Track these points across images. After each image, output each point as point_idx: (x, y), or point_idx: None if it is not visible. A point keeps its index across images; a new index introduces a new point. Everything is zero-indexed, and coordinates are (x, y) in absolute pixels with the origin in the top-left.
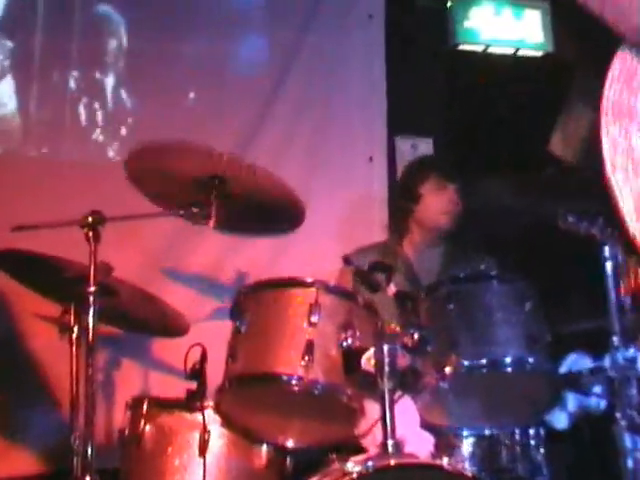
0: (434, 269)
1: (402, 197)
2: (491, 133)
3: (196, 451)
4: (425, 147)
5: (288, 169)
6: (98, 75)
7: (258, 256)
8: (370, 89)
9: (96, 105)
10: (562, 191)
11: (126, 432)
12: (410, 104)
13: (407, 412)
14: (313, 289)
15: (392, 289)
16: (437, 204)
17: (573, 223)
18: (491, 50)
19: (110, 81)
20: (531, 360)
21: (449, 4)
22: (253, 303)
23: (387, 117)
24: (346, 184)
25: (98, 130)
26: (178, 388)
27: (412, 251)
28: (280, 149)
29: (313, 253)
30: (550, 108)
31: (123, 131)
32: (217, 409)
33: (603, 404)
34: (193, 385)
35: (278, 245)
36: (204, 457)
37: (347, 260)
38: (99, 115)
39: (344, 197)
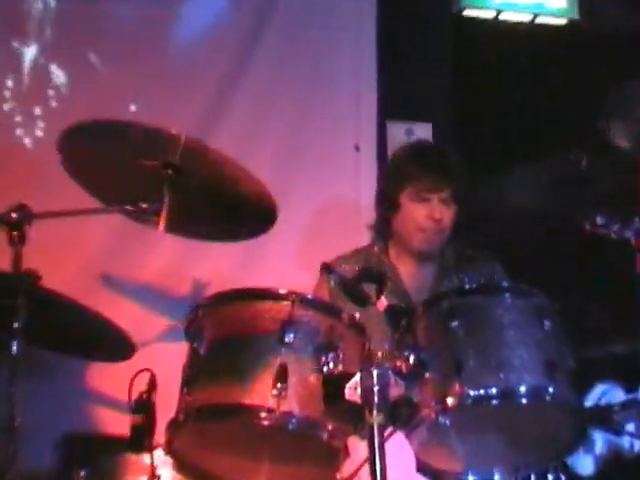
0: (426, 286)
1: (381, 203)
2: (503, 118)
3: None
4: (422, 133)
5: (258, 159)
6: (16, 44)
7: (221, 263)
8: (357, 64)
9: (11, 80)
10: (591, 188)
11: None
12: (405, 82)
13: (400, 452)
14: (287, 302)
15: (383, 303)
16: (412, 219)
17: (602, 225)
18: (504, 17)
19: (31, 51)
20: (551, 390)
21: None
22: (214, 320)
23: (377, 97)
24: (327, 177)
25: (15, 109)
26: (121, 423)
27: (399, 263)
28: (249, 136)
29: (287, 260)
30: (575, 88)
31: (49, 111)
32: (169, 449)
33: (638, 445)
34: (140, 419)
35: (245, 250)
36: None
37: (327, 268)
38: (15, 92)
39: (325, 193)
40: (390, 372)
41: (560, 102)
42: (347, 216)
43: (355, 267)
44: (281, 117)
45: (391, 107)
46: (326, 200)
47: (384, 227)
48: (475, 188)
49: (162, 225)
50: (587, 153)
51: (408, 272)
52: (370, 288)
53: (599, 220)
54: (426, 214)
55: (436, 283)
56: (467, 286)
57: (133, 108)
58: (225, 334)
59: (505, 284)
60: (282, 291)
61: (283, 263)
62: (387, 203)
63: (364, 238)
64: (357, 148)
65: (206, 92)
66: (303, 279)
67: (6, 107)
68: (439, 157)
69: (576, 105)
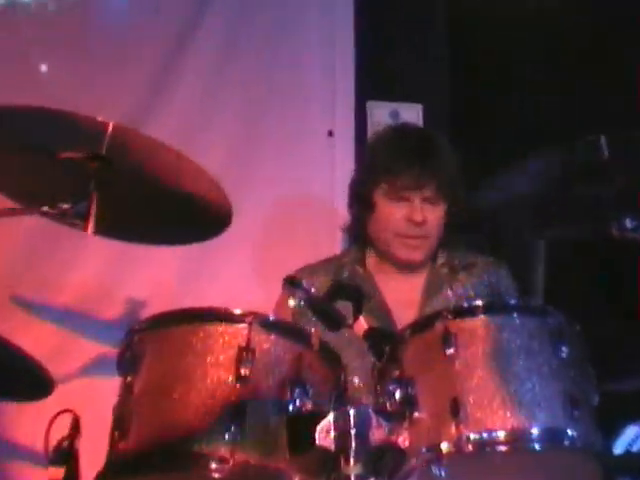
0: (413, 303)
1: (354, 201)
2: (512, 98)
3: None
4: (411, 115)
5: (209, 149)
6: None
7: (161, 275)
8: (330, 33)
9: None
10: (615, 182)
11: None
12: (390, 55)
13: None
14: (243, 325)
15: (362, 325)
16: (389, 222)
17: (634, 230)
18: None
19: None
20: (570, 433)
21: None
22: (153, 347)
23: (355, 73)
24: (293, 169)
25: None
26: (37, 477)
27: (380, 275)
28: (197, 121)
29: (242, 271)
30: (594, 57)
31: None
32: None
33: None
34: (59, 472)
35: (191, 258)
36: None
37: (292, 282)
38: None
39: (290, 188)
40: (371, 411)
41: (579, 77)
42: (318, 216)
43: (326, 280)
44: (236, 98)
45: (373, 85)
46: (291, 197)
47: (360, 230)
48: (476, 182)
49: (90, 227)
50: (610, 137)
51: (391, 286)
52: (345, 307)
53: (629, 223)
54: (405, 216)
55: (425, 299)
56: (465, 304)
57: (52, 91)
58: (167, 365)
59: (513, 301)
60: (237, 311)
61: (237, 275)
62: (360, 201)
63: (340, 244)
64: (330, 134)
65: (143, 71)
66: (262, 296)
67: None
68: (422, 144)
69: (597, 78)
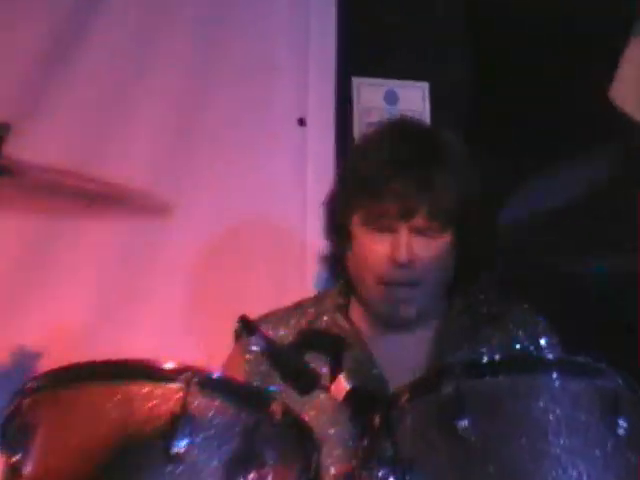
0: (415, 363)
1: (330, 228)
2: (542, 74)
3: None
4: (413, 98)
5: (130, 145)
6: None
7: (62, 316)
8: None
9: None
10: None
11: None
12: (385, 15)
13: None
14: (178, 385)
15: (343, 385)
16: (366, 260)
17: None
18: None
19: None
20: None
21: None
22: (50, 415)
23: (337, 40)
24: (248, 174)
25: None
26: None
27: (368, 328)
28: (111, 104)
29: (177, 312)
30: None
31: None
32: None
33: None
34: None
35: (103, 292)
36: None
37: (248, 327)
38: None
39: (244, 200)
40: None
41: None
42: (283, 239)
43: (294, 329)
44: (167, 75)
45: (361, 55)
46: (245, 212)
47: (339, 268)
48: (498, 194)
49: None
50: None
51: (385, 347)
52: (319, 362)
53: None
54: (386, 253)
55: (435, 358)
56: (485, 358)
57: None
58: (70, 440)
59: (550, 355)
60: (169, 365)
61: (169, 316)
62: (336, 229)
63: (312, 279)
64: (301, 122)
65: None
66: (202, 345)
67: None
68: (416, 148)
69: None
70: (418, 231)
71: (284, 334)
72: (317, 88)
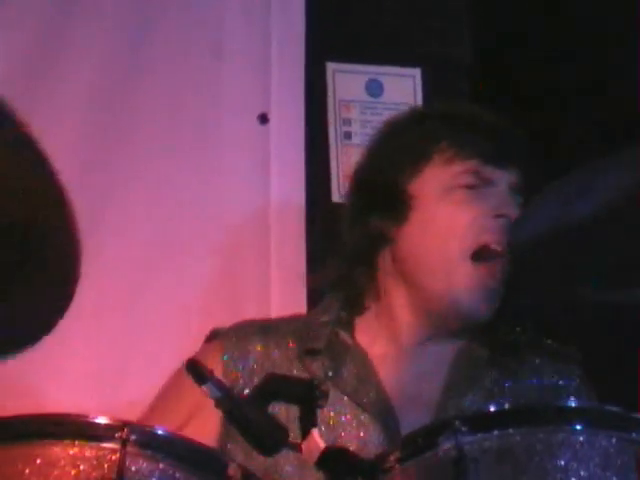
0: (428, 400)
1: (372, 207)
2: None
3: None
4: (402, 87)
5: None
6: None
7: None
8: None
9: None
10: None
11: None
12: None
13: None
14: (112, 445)
15: (317, 444)
16: (452, 227)
17: None
18: None
19: None
20: None
21: None
22: None
23: (307, 17)
24: (197, 179)
25: None
26: None
27: (379, 342)
28: (29, 92)
29: (106, 353)
30: None
31: None
32: None
33: None
34: None
35: None
36: None
37: (196, 371)
38: None
39: (193, 210)
40: None
41: None
42: (240, 256)
43: (285, 344)
44: (92, 57)
45: (337, 36)
46: (192, 224)
47: (362, 270)
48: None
49: None
50: None
51: (393, 373)
52: (286, 414)
53: None
54: (487, 210)
55: (447, 399)
56: (492, 407)
57: None
58: None
59: (575, 404)
60: (102, 420)
61: (103, 357)
62: (383, 204)
63: (275, 300)
64: (264, 119)
65: None
66: (138, 392)
67: None
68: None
69: None
70: (512, 191)
71: (270, 350)
72: (282, 77)
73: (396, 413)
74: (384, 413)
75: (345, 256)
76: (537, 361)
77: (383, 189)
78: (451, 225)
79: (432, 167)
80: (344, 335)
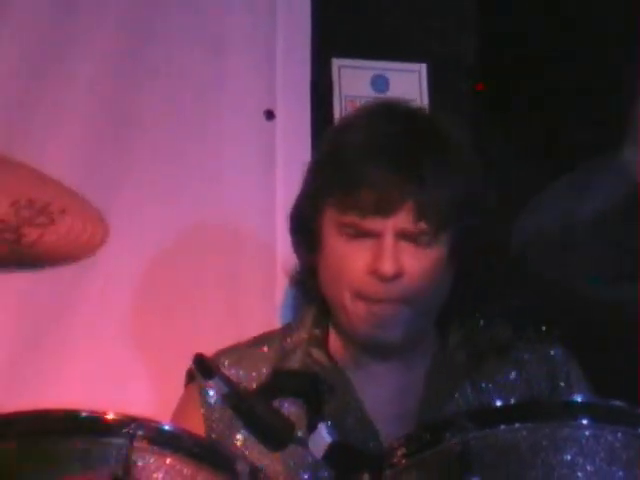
0: (406, 411)
1: (297, 234)
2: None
3: None
4: (408, 83)
5: (67, 137)
6: None
7: None
8: None
9: None
10: None
11: None
12: None
13: None
14: (120, 440)
15: (323, 439)
16: (340, 271)
17: None
18: None
19: None
20: None
21: None
22: None
23: (313, 13)
24: (206, 176)
25: None
26: None
27: (351, 364)
28: (24, 94)
29: (116, 352)
30: None
31: None
32: None
33: None
34: None
35: (22, 328)
36: None
37: (204, 369)
38: None
39: (201, 207)
40: None
41: None
42: (246, 257)
43: (259, 369)
44: (99, 62)
45: (342, 32)
46: (196, 223)
47: (310, 287)
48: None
49: None
50: None
51: (365, 378)
52: (292, 409)
53: None
54: (365, 263)
55: (426, 408)
56: (497, 403)
57: None
58: None
59: (580, 398)
60: (110, 416)
61: (103, 358)
62: (304, 236)
63: (284, 306)
64: (270, 115)
65: None
66: (147, 388)
67: None
68: (404, 131)
69: None
70: (405, 236)
71: (245, 374)
72: (288, 73)
73: (378, 432)
74: (363, 425)
75: (302, 272)
76: (518, 356)
77: (306, 225)
78: (340, 270)
79: (326, 213)
80: (318, 354)
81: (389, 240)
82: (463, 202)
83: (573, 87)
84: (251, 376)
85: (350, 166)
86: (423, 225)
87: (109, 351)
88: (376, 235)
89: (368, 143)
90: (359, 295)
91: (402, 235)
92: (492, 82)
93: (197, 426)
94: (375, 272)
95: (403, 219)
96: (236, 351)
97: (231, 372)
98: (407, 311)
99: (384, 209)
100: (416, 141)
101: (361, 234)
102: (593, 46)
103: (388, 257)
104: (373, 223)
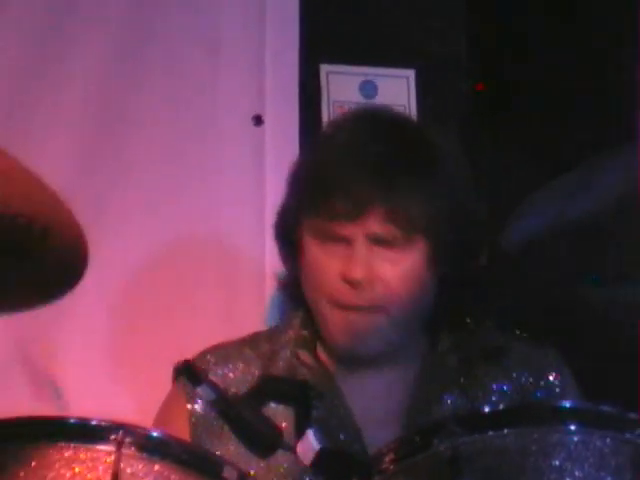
0: (393, 415)
1: (281, 242)
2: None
3: None
4: (396, 89)
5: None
6: None
7: None
8: None
9: None
10: None
11: None
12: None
13: None
14: (107, 447)
15: (311, 445)
16: (317, 278)
17: None
18: None
19: None
20: None
21: None
22: None
23: (301, 18)
24: (195, 182)
25: None
26: None
27: (338, 366)
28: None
29: (101, 358)
30: None
31: None
32: None
33: None
34: None
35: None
36: None
37: (191, 373)
38: None
39: (189, 213)
40: None
41: None
42: (234, 262)
43: (250, 373)
44: (84, 59)
45: (330, 38)
46: (185, 230)
47: (295, 292)
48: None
49: None
50: None
51: (351, 383)
52: (280, 415)
53: None
54: (337, 268)
55: (414, 414)
56: (486, 408)
57: None
58: None
59: (570, 404)
60: (96, 422)
61: (87, 364)
62: (286, 243)
63: (271, 310)
64: (258, 121)
65: None
66: (129, 397)
67: None
68: (380, 139)
69: None
70: (378, 240)
71: (230, 373)
72: (276, 79)
73: (366, 438)
74: (350, 432)
75: (288, 278)
76: (510, 363)
77: (288, 234)
78: (315, 277)
79: (305, 227)
80: (306, 356)
81: (359, 245)
82: (442, 210)
83: (572, 88)
84: (237, 375)
85: (325, 173)
86: (393, 229)
87: (100, 357)
88: (348, 241)
89: (344, 150)
90: (334, 302)
91: (374, 240)
92: (487, 84)
93: (183, 429)
94: (345, 277)
95: (372, 224)
96: (222, 350)
97: (217, 371)
98: (384, 320)
99: (353, 214)
100: (392, 148)
101: (334, 240)
102: (593, 46)
103: (357, 262)
104: (344, 228)
